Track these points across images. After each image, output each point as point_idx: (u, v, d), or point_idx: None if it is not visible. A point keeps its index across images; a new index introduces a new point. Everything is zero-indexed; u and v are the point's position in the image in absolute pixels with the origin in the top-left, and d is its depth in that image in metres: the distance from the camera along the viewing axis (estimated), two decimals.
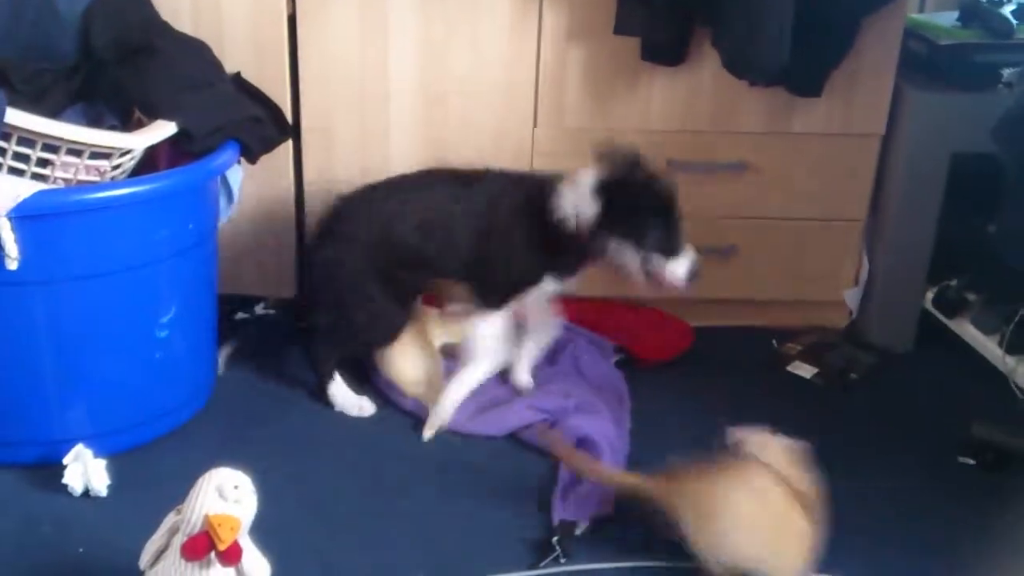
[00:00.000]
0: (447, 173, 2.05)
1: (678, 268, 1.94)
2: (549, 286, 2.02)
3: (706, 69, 2.23)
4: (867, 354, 2.33)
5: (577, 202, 1.91)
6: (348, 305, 2.04)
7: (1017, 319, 2.16)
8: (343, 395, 2.07)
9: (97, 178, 1.78)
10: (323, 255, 2.05)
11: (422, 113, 2.24)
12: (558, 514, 1.74)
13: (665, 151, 2.28)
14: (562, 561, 1.65)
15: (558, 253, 1.98)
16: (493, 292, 2.01)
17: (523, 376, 2.12)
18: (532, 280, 2.00)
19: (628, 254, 1.94)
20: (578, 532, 1.71)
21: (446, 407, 1.99)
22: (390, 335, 2.06)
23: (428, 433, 1.98)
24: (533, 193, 1.98)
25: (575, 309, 2.32)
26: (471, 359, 2.03)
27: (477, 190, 2.01)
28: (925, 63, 2.31)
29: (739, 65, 2.14)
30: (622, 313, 2.40)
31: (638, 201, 1.91)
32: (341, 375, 2.08)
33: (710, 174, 2.32)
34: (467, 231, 1.99)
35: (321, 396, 2.08)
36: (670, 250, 1.93)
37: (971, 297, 2.31)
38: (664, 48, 2.20)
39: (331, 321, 2.06)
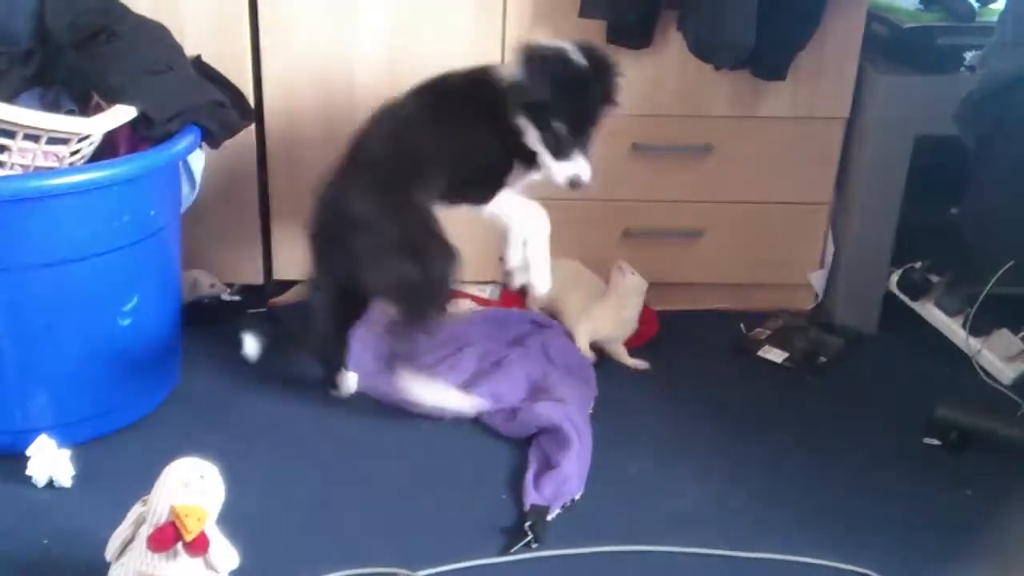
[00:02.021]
0: (418, 85, 1.96)
1: (561, 170, 1.85)
2: (522, 171, 1.92)
3: (672, 52, 2.23)
4: (833, 337, 2.35)
5: (509, 75, 1.83)
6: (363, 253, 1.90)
7: (980, 301, 2.19)
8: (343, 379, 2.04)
9: (55, 164, 1.75)
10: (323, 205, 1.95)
11: (387, 94, 2.21)
12: (530, 499, 1.73)
13: (630, 134, 2.28)
14: (534, 546, 1.65)
15: (513, 137, 1.86)
16: (478, 189, 1.91)
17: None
18: (504, 166, 1.89)
19: (533, 139, 1.84)
20: (550, 517, 1.70)
21: (537, 276, 1.93)
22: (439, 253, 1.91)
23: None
24: (482, 79, 1.88)
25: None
26: (512, 229, 1.92)
27: (436, 92, 1.92)
28: (888, 46, 2.32)
29: (704, 48, 2.14)
30: None
31: (550, 72, 1.80)
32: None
33: (675, 157, 2.32)
34: (430, 131, 1.89)
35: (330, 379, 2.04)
36: (566, 151, 1.83)
37: (935, 279, 2.33)
38: (630, 31, 2.20)
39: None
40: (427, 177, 1.90)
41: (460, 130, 1.89)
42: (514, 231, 1.92)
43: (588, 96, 1.84)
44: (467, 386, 2.05)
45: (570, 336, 2.25)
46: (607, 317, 2.22)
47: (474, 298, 2.38)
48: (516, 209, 1.93)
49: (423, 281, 1.88)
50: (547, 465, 1.81)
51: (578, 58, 1.81)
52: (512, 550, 1.64)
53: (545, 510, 1.71)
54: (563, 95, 1.81)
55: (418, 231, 1.90)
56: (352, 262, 1.90)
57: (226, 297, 2.36)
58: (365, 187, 1.89)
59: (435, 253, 1.90)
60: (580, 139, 1.85)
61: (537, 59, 1.81)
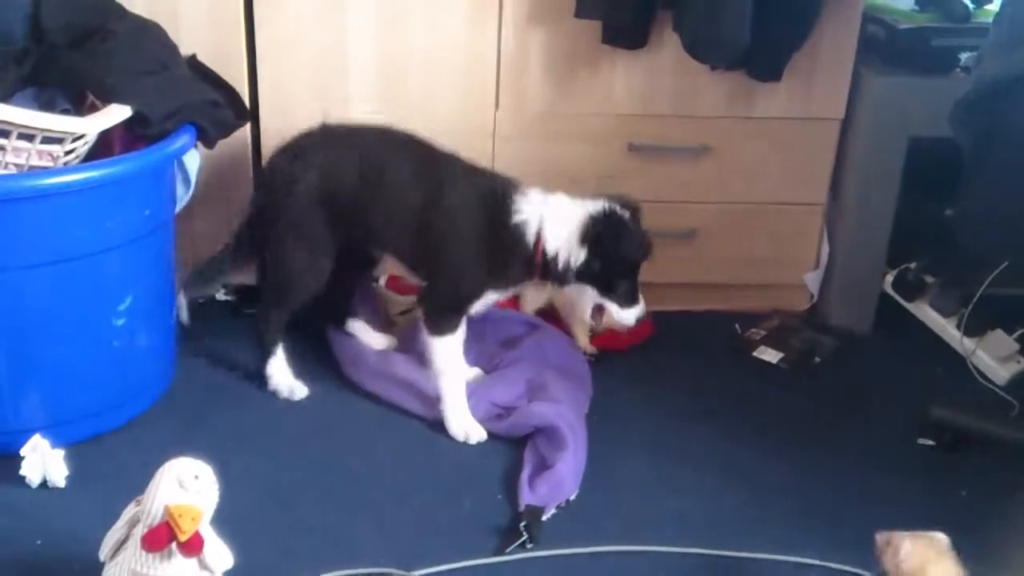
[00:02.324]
0: (408, 137, 2.01)
1: (631, 315, 1.95)
2: (491, 297, 1.97)
3: (667, 53, 2.23)
4: (828, 337, 2.35)
5: (556, 234, 1.88)
6: (286, 247, 2.00)
7: (974, 301, 2.19)
8: (280, 373, 2.06)
9: (50, 163, 1.75)
10: (266, 194, 2.03)
11: (382, 97, 2.22)
12: (525, 499, 1.73)
13: (626, 135, 2.28)
14: (529, 547, 1.65)
15: (505, 263, 1.93)
16: (440, 305, 1.95)
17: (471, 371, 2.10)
18: (476, 290, 1.94)
19: (589, 294, 1.95)
20: (545, 517, 1.70)
21: (454, 427, 1.95)
22: (313, 286, 2.02)
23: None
24: (486, 191, 1.94)
25: None
26: (437, 376, 1.96)
27: (431, 163, 1.97)
28: (884, 47, 2.32)
29: (700, 49, 2.14)
30: None
31: (626, 257, 1.91)
32: (286, 355, 2.07)
33: (670, 158, 2.32)
34: (409, 200, 1.94)
35: (261, 370, 2.06)
36: (630, 299, 1.94)
37: (929, 280, 2.33)
38: (625, 32, 2.20)
39: (272, 274, 2.05)
40: (380, 236, 2.01)
41: (451, 235, 1.93)
42: (443, 385, 1.96)
43: (642, 253, 1.94)
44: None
45: (569, 333, 2.25)
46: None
47: None
48: (449, 362, 1.96)
49: None
50: (542, 465, 1.81)
51: (629, 223, 1.92)
52: (507, 550, 1.64)
53: (540, 510, 1.71)
54: (626, 262, 1.92)
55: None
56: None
57: (221, 297, 2.35)
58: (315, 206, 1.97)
59: None
60: (637, 287, 1.95)
61: (598, 236, 1.88)
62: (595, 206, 1.90)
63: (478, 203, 1.93)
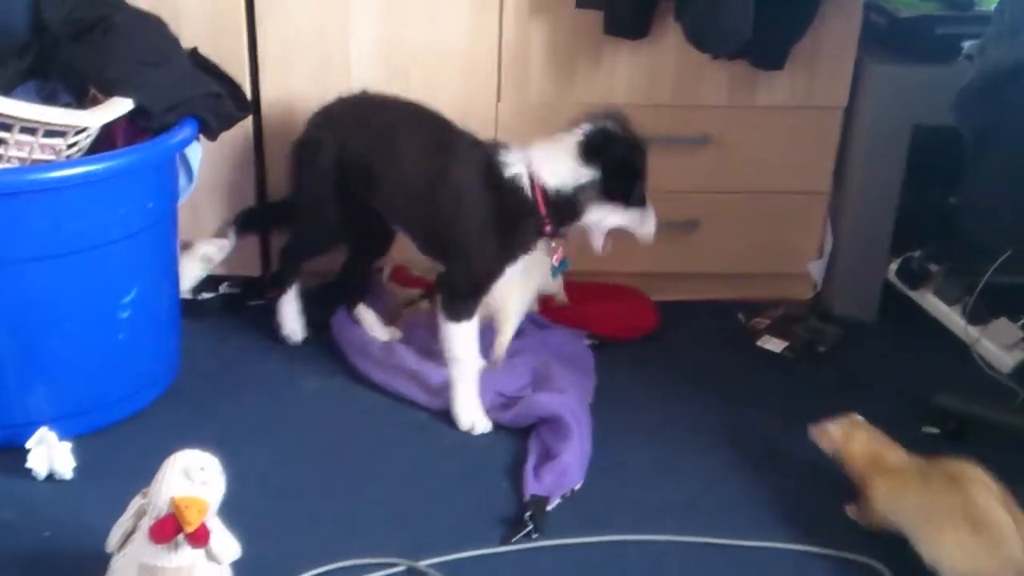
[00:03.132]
0: (430, 114, 2.02)
1: (650, 226, 1.95)
2: (508, 273, 1.95)
3: (669, 43, 2.22)
4: (832, 326, 2.35)
5: (552, 171, 1.86)
6: (304, 205, 2.10)
7: (979, 289, 2.19)
8: (287, 311, 2.14)
9: (53, 157, 1.75)
10: (297, 151, 2.09)
11: (384, 87, 2.21)
12: (530, 489, 1.74)
13: None
14: (534, 536, 1.65)
15: (512, 226, 1.90)
16: (458, 288, 1.93)
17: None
18: (493, 267, 1.92)
19: (611, 216, 1.91)
20: (550, 507, 1.71)
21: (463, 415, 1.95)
22: (328, 243, 2.14)
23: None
24: (480, 161, 1.91)
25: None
26: (450, 363, 1.96)
27: (443, 140, 1.97)
28: (886, 35, 2.31)
29: (702, 38, 2.13)
30: (586, 293, 2.39)
31: (633, 158, 1.89)
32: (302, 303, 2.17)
33: (673, 148, 2.31)
34: (418, 174, 1.95)
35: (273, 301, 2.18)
36: (643, 204, 1.93)
37: (933, 268, 2.33)
38: (627, 22, 2.19)
39: (296, 223, 2.15)
40: (388, 206, 2.03)
41: (464, 213, 1.91)
42: (456, 373, 1.97)
43: (644, 150, 1.92)
44: None
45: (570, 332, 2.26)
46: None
47: None
48: (464, 349, 1.96)
49: None
50: (547, 455, 1.81)
51: (621, 129, 1.90)
52: (512, 540, 1.64)
53: (545, 500, 1.71)
54: (633, 164, 1.90)
55: None
56: None
57: (224, 290, 2.35)
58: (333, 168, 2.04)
59: None
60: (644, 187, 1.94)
61: (599, 148, 1.87)
62: (583, 128, 1.89)
63: (477, 175, 1.91)
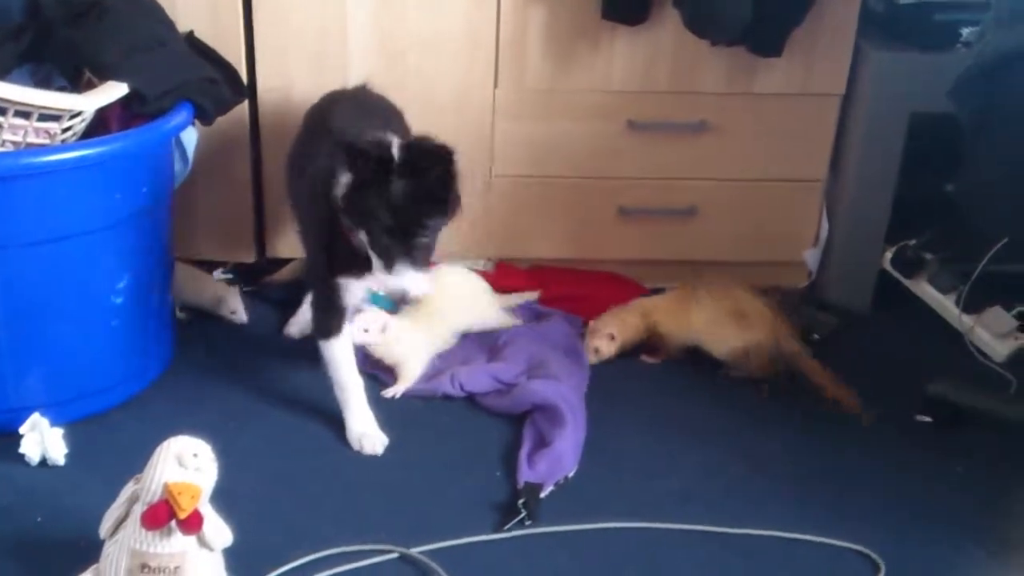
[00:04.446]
0: (364, 103, 1.98)
1: (406, 279, 1.67)
2: (356, 287, 1.78)
3: (667, 29, 2.21)
4: (827, 314, 2.35)
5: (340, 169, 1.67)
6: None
7: (973, 278, 2.19)
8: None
9: (47, 141, 1.74)
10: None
11: (381, 72, 2.21)
12: (523, 476, 1.74)
13: (625, 111, 2.28)
14: (527, 523, 1.65)
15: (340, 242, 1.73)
16: (315, 300, 1.87)
17: None
18: (330, 276, 1.76)
19: (365, 244, 1.68)
20: (543, 494, 1.71)
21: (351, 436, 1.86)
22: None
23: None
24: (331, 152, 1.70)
25: (532, 276, 2.33)
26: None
27: (340, 130, 1.79)
28: (884, 22, 2.31)
29: (700, 24, 2.13)
30: (578, 279, 2.39)
31: (368, 169, 1.62)
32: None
33: (670, 134, 2.31)
34: (307, 169, 1.82)
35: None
36: (401, 252, 1.65)
37: (928, 257, 2.33)
38: (625, 7, 2.18)
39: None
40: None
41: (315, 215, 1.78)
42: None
43: (410, 198, 1.62)
44: (466, 362, 2.06)
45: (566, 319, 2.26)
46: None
47: None
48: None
49: None
50: (541, 442, 1.82)
51: (397, 153, 1.62)
52: (505, 527, 1.65)
53: (539, 487, 1.71)
54: (382, 195, 1.61)
55: None
56: None
57: (219, 276, 2.35)
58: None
59: None
60: (410, 245, 1.65)
61: (357, 154, 1.63)
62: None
63: (323, 173, 1.72)
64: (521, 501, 1.67)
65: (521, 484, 1.72)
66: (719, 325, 2.08)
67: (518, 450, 1.81)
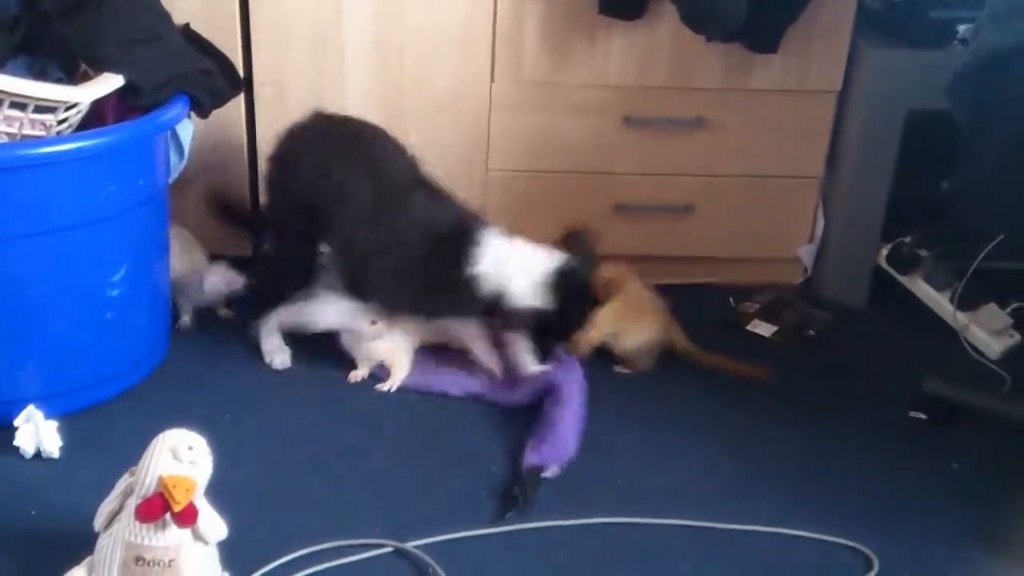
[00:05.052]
0: (384, 139, 2.02)
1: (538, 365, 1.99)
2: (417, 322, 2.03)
3: (664, 24, 2.21)
4: (822, 311, 2.35)
5: (520, 286, 1.92)
6: (273, 241, 2.16)
7: (968, 275, 2.19)
8: (271, 337, 2.06)
9: (42, 132, 1.74)
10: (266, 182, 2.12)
11: (378, 66, 2.21)
12: (528, 459, 1.74)
13: (622, 107, 2.28)
14: (520, 503, 1.65)
15: (450, 299, 1.97)
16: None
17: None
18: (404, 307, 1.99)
19: (519, 340, 1.99)
20: (547, 474, 1.72)
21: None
22: (294, 284, 2.05)
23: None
24: (452, 227, 1.95)
25: None
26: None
27: (399, 184, 1.97)
28: (881, 19, 2.31)
29: (697, 20, 2.13)
30: None
31: (574, 308, 1.99)
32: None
33: (666, 130, 2.31)
34: (365, 221, 1.95)
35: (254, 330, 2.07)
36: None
37: (924, 254, 2.33)
38: (622, 2, 2.18)
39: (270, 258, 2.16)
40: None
41: (407, 263, 1.95)
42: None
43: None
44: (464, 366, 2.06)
45: None
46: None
47: None
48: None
49: None
50: (547, 426, 1.81)
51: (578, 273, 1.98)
52: (502, 516, 1.65)
53: (540, 469, 1.72)
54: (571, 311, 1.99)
55: None
56: None
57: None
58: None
59: None
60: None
61: (561, 287, 1.95)
62: (555, 259, 1.98)
63: (443, 238, 1.97)
64: (517, 488, 1.67)
65: (525, 468, 1.72)
66: (626, 322, 2.09)
67: (518, 443, 1.81)
